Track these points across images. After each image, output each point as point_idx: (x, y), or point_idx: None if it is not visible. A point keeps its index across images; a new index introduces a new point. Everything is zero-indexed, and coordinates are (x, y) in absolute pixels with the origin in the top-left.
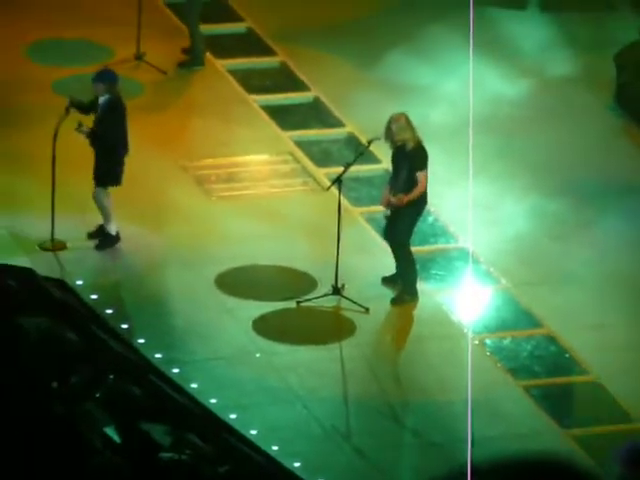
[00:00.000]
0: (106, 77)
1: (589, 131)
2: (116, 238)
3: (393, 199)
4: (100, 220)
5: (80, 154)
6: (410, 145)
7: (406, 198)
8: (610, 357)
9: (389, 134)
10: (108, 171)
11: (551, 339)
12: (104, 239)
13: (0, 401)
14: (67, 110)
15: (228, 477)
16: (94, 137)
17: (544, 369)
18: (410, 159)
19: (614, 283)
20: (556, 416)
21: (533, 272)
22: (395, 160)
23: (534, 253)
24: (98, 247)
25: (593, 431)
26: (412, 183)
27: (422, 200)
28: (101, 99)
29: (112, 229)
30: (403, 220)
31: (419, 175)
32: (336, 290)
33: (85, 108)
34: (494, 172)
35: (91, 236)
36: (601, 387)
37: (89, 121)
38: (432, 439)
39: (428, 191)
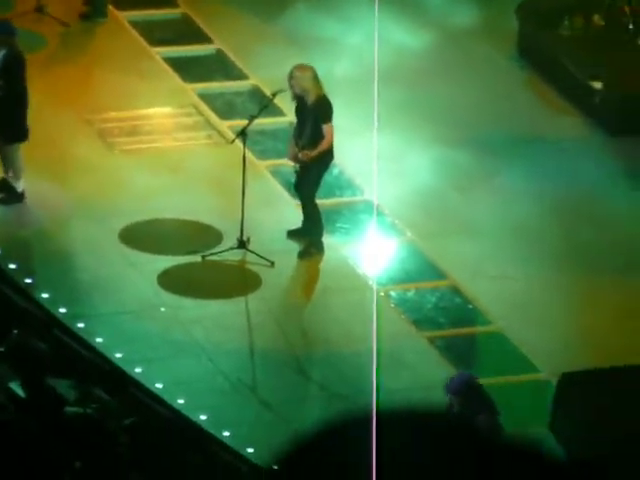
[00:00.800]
0: (3, 30)
1: (492, 83)
2: (22, 196)
3: (300, 155)
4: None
5: None
6: (312, 97)
7: (313, 153)
8: (513, 308)
9: (291, 85)
10: (17, 126)
11: (455, 290)
12: (9, 194)
13: None
14: None
15: (133, 429)
16: None
17: (448, 320)
18: (314, 112)
19: (518, 235)
20: (460, 367)
21: (438, 224)
22: (298, 112)
23: (439, 205)
24: (2, 202)
25: (497, 381)
26: (318, 136)
27: (329, 153)
28: (0, 52)
29: (19, 186)
30: (310, 174)
31: (325, 128)
32: (241, 244)
33: None
34: (399, 124)
35: None
36: (504, 337)
37: None
38: (337, 390)
39: (334, 144)
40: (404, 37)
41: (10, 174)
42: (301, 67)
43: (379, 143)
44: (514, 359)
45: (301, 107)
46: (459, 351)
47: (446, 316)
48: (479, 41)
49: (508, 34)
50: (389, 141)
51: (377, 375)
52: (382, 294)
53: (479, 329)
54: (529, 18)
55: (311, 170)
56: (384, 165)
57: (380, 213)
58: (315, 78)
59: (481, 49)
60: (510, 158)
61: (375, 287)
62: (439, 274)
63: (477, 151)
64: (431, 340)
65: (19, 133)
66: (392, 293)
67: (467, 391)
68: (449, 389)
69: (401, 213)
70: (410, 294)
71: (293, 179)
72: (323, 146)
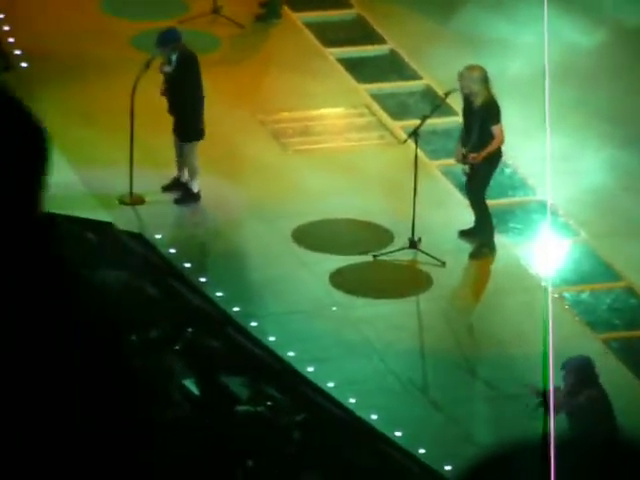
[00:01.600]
0: (167, 39)
1: None
2: (197, 196)
3: (470, 157)
4: (174, 173)
5: (158, 108)
6: (480, 99)
7: (482, 154)
8: None
9: (460, 85)
10: (192, 125)
11: (630, 292)
12: (186, 195)
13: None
14: (147, 64)
15: (305, 427)
16: (172, 92)
17: (623, 322)
18: (482, 113)
19: None
20: (636, 369)
21: (612, 224)
22: (466, 113)
23: (613, 205)
24: (178, 202)
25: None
26: (486, 137)
27: (497, 154)
28: (172, 57)
29: (195, 187)
30: (479, 174)
31: (495, 129)
32: (413, 244)
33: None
34: (571, 123)
35: (166, 189)
36: None
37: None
38: (508, 391)
39: (504, 144)
40: (576, 36)
41: (185, 174)
42: (470, 68)
43: (551, 143)
44: None
45: (469, 108)
46: (635, 353)
47: (621, 318)
48: None
49: None
50: (561, 141)
51: (548, 376)
52: (556, 295)
53: None
54: None
55: (480, 170)
56: (556, 165)
57: (553, 213)
58: (484, 79)
59: None
60: None
61: (549, 288)
62: (614, 275)
63: None
64: (606, 342)
65: (195, 132)
66: (566, 294)
67: (582, 373)
68: (566, 367)
69: (574, 213)
70: (584, 295)
71: (464, 179)
72: (492, 147)
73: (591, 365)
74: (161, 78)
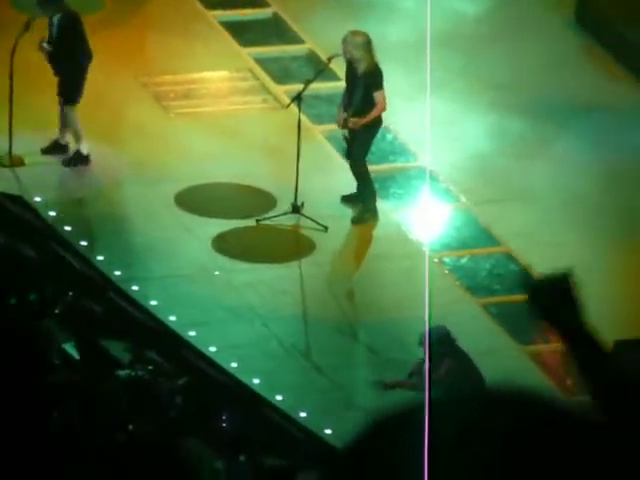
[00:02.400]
0: (51, 1)
1: (549, 49)
2: (87, 158)
3: (350, 122)
4: (54, 135)
5: (39, 70)
6: (363, 65)
7: (363, 120)
8: None
9: (344, 50)
10: (75, 87)
11: (510, 257)
12: (75, 157)
13: None
14: (27, 25)
15: (186, 391)
16: (55, 56)
17: (503, 287)
18: (365, 79)
19: (572, 202)
20: (514, 333)
21: (493, 190)
22: (348, 78)
23: (494, 171)
24: (67, 163)
25: (549, 348)
26: (368, 103)
27: (378, 120)
28: (54, 18)
29: (84, 148)
30: (359, 140)
31: (377, 95)
32: (295, 208)
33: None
34: (455, 89)
35: (45, 151)
36: None
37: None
38: (390, 356)
39: (386, 110)
40: (460, 2)
41: (65, 136)
42: (354, 33)
43: (434, 108)
44: None
45: (352, 73)
46: (513, 317)
47: (501, 283)
48: (536, 6)
49: None
50: (444, 106)
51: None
52: (436, 260)
53: None
54: None
55: (361, 136)
56: (439, 131)
57: (434, 179)
58: (368, 44)
59: (538, 14)
60: (567, 125)
61: (428, 253)
62: (493, 241)
63: (533, 118)
64: (485, 307)
65: (70, 95)
66: (446, 259)
67: (437, 346)
68: (421, 341)
69: (455, 179)
70: (464, 260)
71: (345, 145)
72: (374, 113)
73: (445, 334)
74: (40, 37)
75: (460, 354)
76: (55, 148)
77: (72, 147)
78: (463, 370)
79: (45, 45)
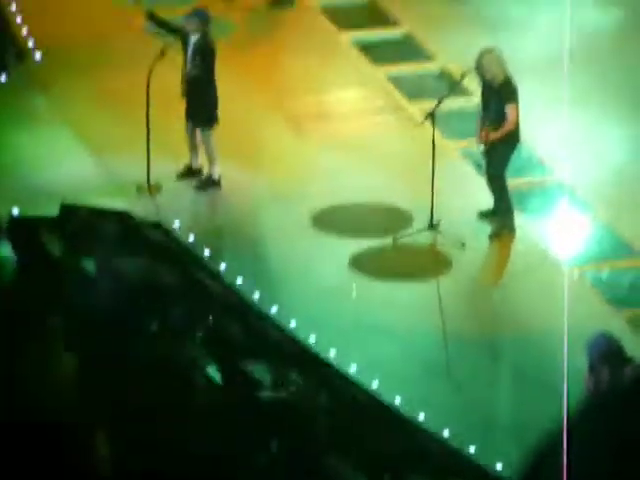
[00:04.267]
0: (201, 14)
1: None
2: (218, 183)
3: (483, 135)
4: (187, 160)
5: (175, 95)
6: (498, 80)
7: (496, 134)
8: None
9: (479, 68)
10: (207, 112)
11: None
12: (207, 181)
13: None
14: (162, 52)
15: (328, 410)
16: (192, 78)
17: None
18: (499, 94)
19: None
20: None
21: (631, 202)
22: (484, 95)
23: (631, 183)
24: (199, 188)
25: None
26: (502, 118)
27: (515, 134)
28: (192, 38)
29: (216, 173)
30: (497, 155)
31: (509, 109)
32: (432, 226)
33: (167, 27)
34: (590, 104)
35: (180, 177)
36: None
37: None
38: (530, 373)
39: (521, 125)
40: (593, 15)
41: (198, 161)
42: (487, 50)
43: (571, 122)
44: None
45: (487, 89)
46: None
47: None
48: None
49: None
50: (581, 120)
51: (570, 356)
52: (576, 274)
53: None
54: None
55: (498, 151)
56: (575, 144)
57: (572, 192)
58: (500, 60)
59: None
60: None
61: (569, 267)
62: (634, 252)
63: None
64: (629, 320)
65: (210, 118)
66: (587, 273)
67: (607, 351)
68: (590, 347)
69: (594, 191)
70: (605, 273)
71: (482, 160)
72: (507, 127)
73: (611, 340)
74: (178, 65)
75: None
76: (189, 173)
77: (205, 171)
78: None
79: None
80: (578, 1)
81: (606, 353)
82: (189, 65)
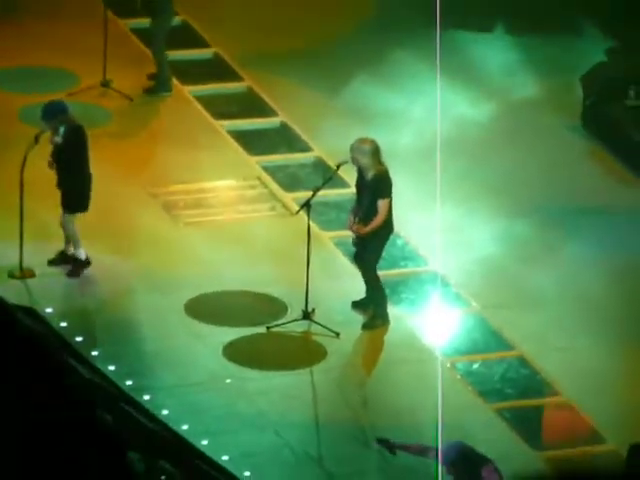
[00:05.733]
0: (53, 112)
1: (555, 153)
2: (87, 262)
3: (354, 227)
4: (61, 246)
5: (47, 182)
6: (371, 172)
7: (366, 229)
8: (580, 379)
9: (352, 158)
10: (75, 197)
11: (522, 361)
12: (75, 265)
13: None
14: (36, 138)
15: None
16: (58, 167)
17: (515, 391)
18: (372, 186)
19: (583, 305)
20: (528, 438)
21: (502, 294)
22: (358, 184)
23: (503, 275)
24: (71, 274)
25: (565, 453)
26: (373, 211)
27: (387, 227)
28: (60, 130)
29: (82, 254)
30: (369, 247)
31: (380, 203)
32: (306, 315)
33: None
34: (462, 195)
35: (51, 262)
36: (572, 408)
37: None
38: (404, 463)
39: (394, 216)
40: (467, 108)
41: (71, 247)
42: (361, 141)
43: (443, 214)
44: (583, 431)
45: (361, 180)
46: (527, 421)
47: (513, 387)
48: (542, 111)
49: (572, 104)
50: (453, 212)
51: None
52: (448, 365)
53: (547, 400)
54: (593, 88)
55: (370, 243)
56: (448, 235)
57: (445, 284)
58: (376, 152)
59: (544, 119)
60: (573, 229)
61: (440, 358)
62: (505, 345)
63: (540, 222)
64: (498, 411)
65: (77, 204)
66: (458, 364)
67: (463, 461)
68: (446, 462)
69: (466, 283)
70: (477, 365)
71: (354, 250)
72: (376, 222)
73: (466, 449)
74: (50, 150)
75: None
76: (62, 260)
77: (72, 255)
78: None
79: (57, 138)
80: (451, 94)
81: (460, 457)
82: (57, 152)
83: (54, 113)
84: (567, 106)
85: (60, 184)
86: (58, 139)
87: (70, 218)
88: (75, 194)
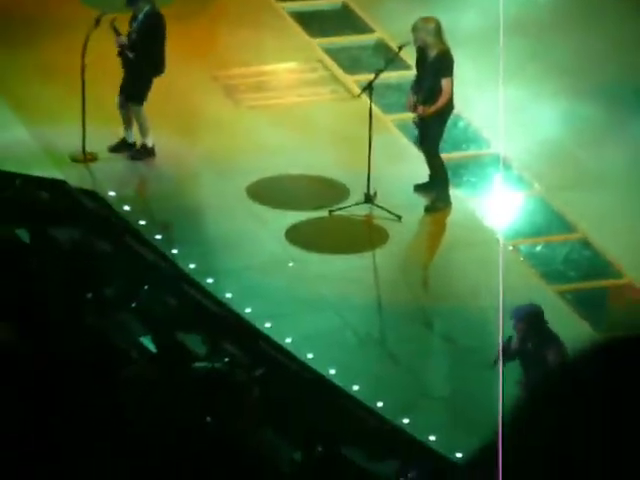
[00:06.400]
0: None
1: (618, 33)
2: (152, 151)
3: (419, 109)
4: (121, 134)
5: (110, 65)
6: (434, 51)
7: (432, 108)
8: None
9: (414, 37)
10: (146, 88)
11: (585, 243)
12: (141, 150)
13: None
14: (97, 21)
15: (263, 381)
16: (131, 51)
17: (578, 273)
18: (435, 65)
19: None
20: (591, 320)
21: (566, 176)
22: (419, 64)
23: (567, 157)
24: (134, 157)
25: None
26: (437, 90)
27: (448, 107)
28: (140, 14)
29: (149, 141)
30: (431, 128)
31: (444, 82)
32: (368, 198)
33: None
34: (525, 76)
35: (112, 150)
36: (636, 289)
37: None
38: (465, 344)
39: (455, 97)
40: None
41: (132, 134)
42: (424, 19)
43: (506, 95)
44: None
45: (422, 59)
46: (590, 305)
47: (576, 269)
48: None
49: None
50: (516, 93)
51: (504, 329)
52: (511, 248)
53: (610, 282)
54: None
55: (432, 124)
56: (511, 117)
57: (507, 166)
58: (438, 31)
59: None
60: (636, 109)
61: (503, 241)
62: (568, 227)
63: (604, 102)
64: (561, 294)
65: (137, 96)
66: (521, 247)
67: (533, 321)
68: (516, 315)
69: (528, 166)
70: (539, 247)
71: (416, 131)
72: (441, 101)
73: (540, 312)
74: (113, 35)
75: (557, 338)
76: (122, 146)
77: (138, 142)
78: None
79: (123, 39)
80: None
81: (532, 316)
82: (130, 40)
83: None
84: None
85: (131, 71)
86: (123, 39)
87: (139, 108)
88: (147, 83)
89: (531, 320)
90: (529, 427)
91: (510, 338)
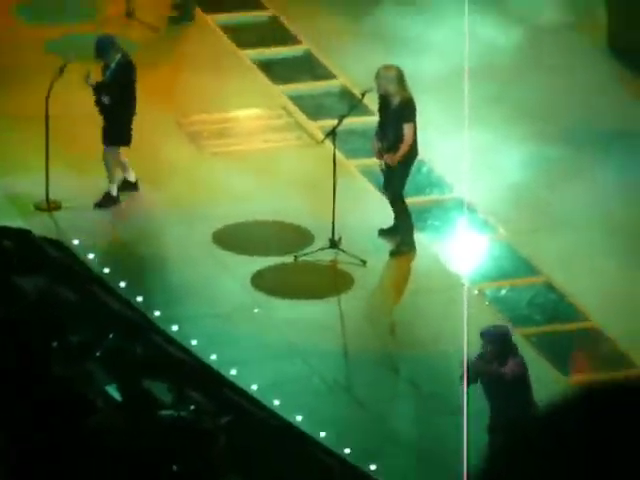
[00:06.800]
0: (106, 47)
1: (583, 78)
2: (116, 199)
3: (386, 157)
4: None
5: (74, 113)
6: (397, 98)
7: (397, 156)
8: (608, 303)
9: (377, 84)
10: (120, 131)
11: (550, 286)
12: (105, 198)
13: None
14: (61, 69)
15: (229, 429)
16: (104, 94)
17: (544, 317)
18: (397, 112)
19: (611, 229)
20: (557, 363)
21: (530, 220)
22: (382, 111)
23: (530, 201)
24: (98, 205)
25: (594, 378)
26: (401, 137)
27: (412, 152)
28: (112, 64)
29: (114, 190)
30: (395, 174)
31: (406, 128)
32: (333, 243)
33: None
34: (489, 121)
35: (121, 189)
36: (600, 333)
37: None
38: (430, 389)
39: (419, 141)
40: (492, 33)
41: (131, 174)
42: (386, 68)
43: (471, 139)
44: (611, 354)
45: (385, 106)
46: (555, 348)
47: (541, 312)
48: (569, 35)
49: (598, 27)
50: (481, 137)
51: (469, 374)
52: (476, 292)
53: (575, 325)
54: (620, 10)
55: (397, 169)
56: (476, 161)
57: (472, 210)
58: (400, 78)
59: (571, 43)
60: (602, 153)
61: (467, 285)
62: (533, 270)
63: (568, 146)
64: (527, 337)
65: (120, 137)
66: (486, 291)
67: (502, 341)
68: (486, 336)
69: (493, 210)
70: (504, 291)
71: (382, 178)
72: (404, 147)
73: (509, 334)
74: (79, 83)
75: (521, 357)
76: (128, 187)
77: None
78: (523, 375)
79: (92, 78)
80: (475, 19)
81: (501, 337)
82: (104, 86)
83: (106, 48)
84: (594, 29)
85: (106, 117)
86: (92, 80)
87: (111, 151)
88: (119, 127)
89: (500, 341)
90: (505, 478)
91: (478, 356)
